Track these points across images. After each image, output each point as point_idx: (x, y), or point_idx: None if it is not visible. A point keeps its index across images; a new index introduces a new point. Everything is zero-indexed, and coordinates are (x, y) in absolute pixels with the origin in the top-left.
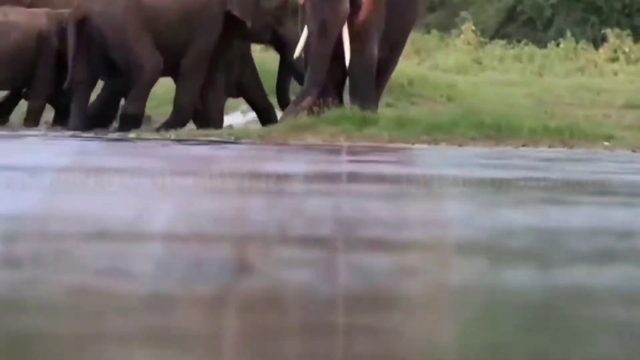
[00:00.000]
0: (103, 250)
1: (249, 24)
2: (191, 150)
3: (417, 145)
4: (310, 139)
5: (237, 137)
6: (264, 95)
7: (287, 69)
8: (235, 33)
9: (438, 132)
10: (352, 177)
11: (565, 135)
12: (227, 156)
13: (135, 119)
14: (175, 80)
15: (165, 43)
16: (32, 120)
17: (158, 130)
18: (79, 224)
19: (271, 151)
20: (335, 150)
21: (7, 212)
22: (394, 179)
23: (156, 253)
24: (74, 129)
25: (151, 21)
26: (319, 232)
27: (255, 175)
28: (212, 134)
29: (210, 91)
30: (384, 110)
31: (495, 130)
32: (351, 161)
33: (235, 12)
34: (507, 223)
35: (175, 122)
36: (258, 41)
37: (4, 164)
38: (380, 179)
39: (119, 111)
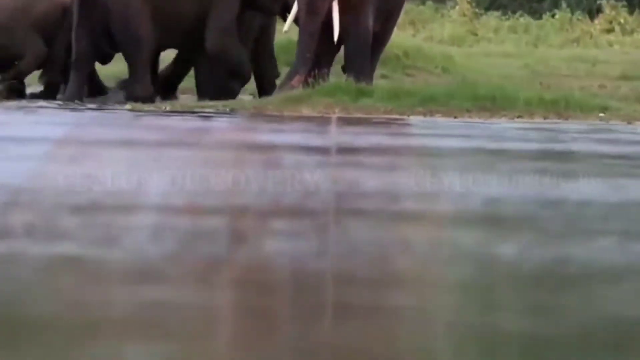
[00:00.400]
0: (95, 221)
1: None
2: (186, 122)
3: (412, 117)
4: (305, 111)
5: (232, 109)
6: (271, 70)
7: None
8: (245, 6)
9: (433, 103)
10: (346, 149)
11: (561, 106)
12: (221, 128)
13: (148, 99)
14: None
15: (174, 17)
16: (50, 92)
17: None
18: (71, 196)
19: (266, 123)
20: (329, 122)
21: (1, 183)
22: (388, 151)
23: (149, 224)
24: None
25: None
26: (311, 203)
27: (249, 147)
28: (207, 105)
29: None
30: (379, 81)
31: (491, 101)
32: (345, 133)
33: None
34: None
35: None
36: (268, 13)
37: (4, 135)
38: (374, 150)
39: (126, 95)
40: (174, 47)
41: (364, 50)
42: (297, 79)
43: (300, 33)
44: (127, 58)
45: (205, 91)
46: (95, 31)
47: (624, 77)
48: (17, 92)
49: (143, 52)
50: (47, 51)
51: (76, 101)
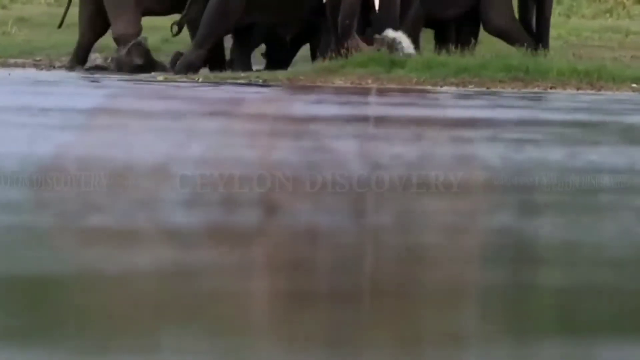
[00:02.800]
0: (130, 191)
1: None
2: (219, 92)
3: (445, 88)
4: (338, 82)
5: (264, 80)
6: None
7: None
8: None
9: (466, 74)
10: (379, 120)
11: (593, 77)
12: (254, 99)
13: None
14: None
15: None
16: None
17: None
18: (108, 166)
19: (298, 94)
20: (363, 93)
21: (34, 152)
22: (421, 121)
23: (183, 193)
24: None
25: None
26: (345, 173)
27: (281, 118)
28: (239, 77)
29: None
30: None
31: (524, 72)
32: (379, 104)
33: None
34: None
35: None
36: None
37: (38, 105)
38: (408, 121)
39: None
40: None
41: (393, 18)
42: (355, 42)
43: (343, 2)
44: None
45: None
46: None
47: None
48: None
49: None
50: None
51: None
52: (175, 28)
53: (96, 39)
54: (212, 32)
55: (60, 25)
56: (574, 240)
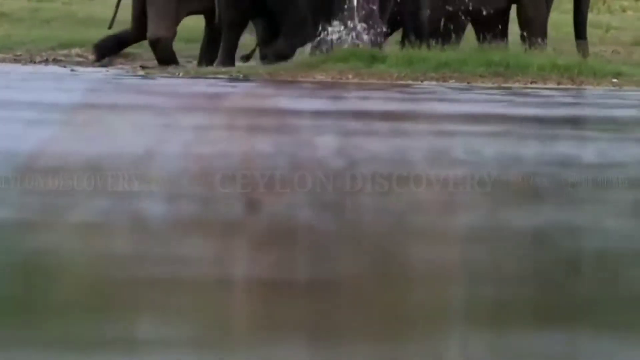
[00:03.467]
0: (107, 187)
1: None
2: (199, 87)
3: (425, 83)
4: (319, 77)
5: (245, 75)
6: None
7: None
8: None
9: (447, 69)
10: (359, 114)
11: (574, 72)
12: (234, 93)
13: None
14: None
15: None
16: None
17: None
18: (85, 161)
19: (278, 89)
20: (343, 87)
21: (9, 149)
22: (399, 116)
23: (162, 190)
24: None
25: None
26: (325, 169)
27: (262, 112)
28: (220, 71)
29: None
30: (393, 47)
31: (504, 67)
32: (359, 98)
33: None
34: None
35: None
36: None
37: (24, 99)
38: (386, 116)
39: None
40: None
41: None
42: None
43: None
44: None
45: None
46: None
47: (637, 43)
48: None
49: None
50: None
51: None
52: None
53: (141, 38)
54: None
55: (110, 26)
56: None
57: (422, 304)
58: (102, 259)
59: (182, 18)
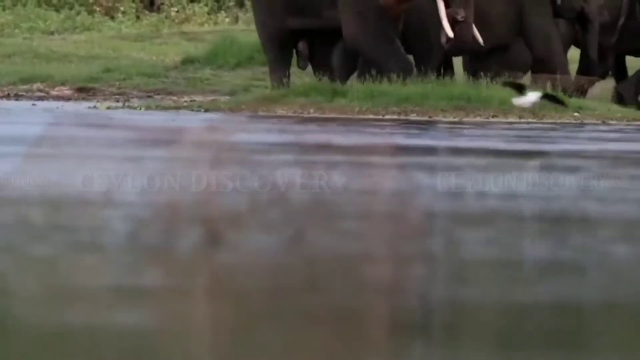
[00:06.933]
0: (71, 219)
1: (559, 1)
2: (160, 120)
3: (387, 117)
4: (280, 111)
5: (206, 109)
6: None
7: (590, 41)
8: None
9: (408, 103)
10: (320, 148)
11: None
12: (196, 127)
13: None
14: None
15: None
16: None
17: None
18: (49, 195)
19: (239, 122)
20: (304, 122)
21: None
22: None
23: (124, 224)
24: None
25: None
26: (287, 203)
27: (220, 146)
28: (182, 105)
29: None
30: (354, 82)
31: (465, 101)
32: (319, 132)
33: None
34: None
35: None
36: (566, 17)
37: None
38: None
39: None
40: None
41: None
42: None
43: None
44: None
45: None
46: None
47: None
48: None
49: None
50: None
51: None
52: None
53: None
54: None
55: None
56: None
57: None
58: (54, 295)
59: None
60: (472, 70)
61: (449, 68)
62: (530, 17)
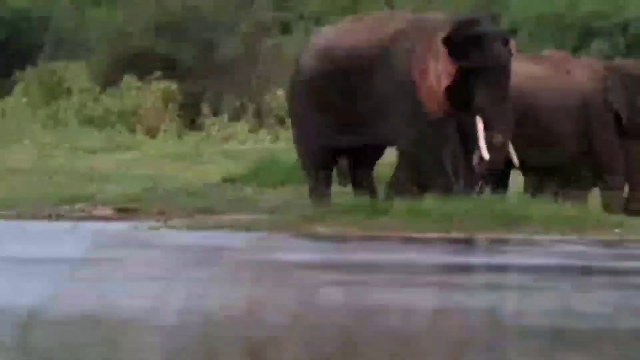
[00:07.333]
0: (110, 340)
1: (624, 120)
2: (202, 239)
3: (428, 235)
4: (321, 229)
5: (247, 228)
6: None
7: None
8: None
9: (450, 221)
10: (366, 267)
11: (577, 222)
12: (237, 246)
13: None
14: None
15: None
16: None
17: None
18: (89, 316)
19: (280, 241)
20: (347, 240)
21: (20, 303)
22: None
23: (166, 345)
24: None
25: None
26: (333, 324)
27: (265, 265)
28: (224, 225)
29: None
30: (396, 200)
31: (508, 217)
32: (360, 250)
33: (615, 107)
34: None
35: None
36: (632, 134)
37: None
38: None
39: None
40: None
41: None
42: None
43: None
44: None
45: None
46: None
47: None
48: None
49: None
50: None
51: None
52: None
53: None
54: None
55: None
56: None
57: None
58: None
59: None
60: (534, 187)
61: (503, 184)
62: (597, 135)
